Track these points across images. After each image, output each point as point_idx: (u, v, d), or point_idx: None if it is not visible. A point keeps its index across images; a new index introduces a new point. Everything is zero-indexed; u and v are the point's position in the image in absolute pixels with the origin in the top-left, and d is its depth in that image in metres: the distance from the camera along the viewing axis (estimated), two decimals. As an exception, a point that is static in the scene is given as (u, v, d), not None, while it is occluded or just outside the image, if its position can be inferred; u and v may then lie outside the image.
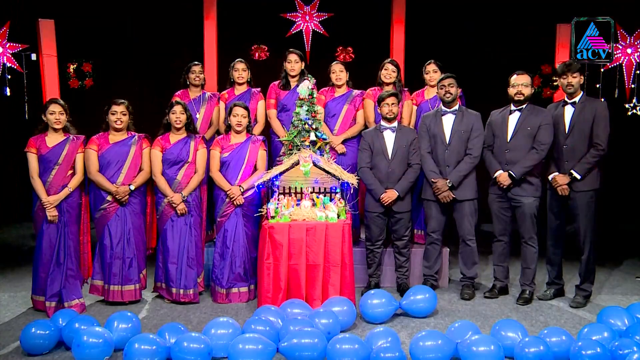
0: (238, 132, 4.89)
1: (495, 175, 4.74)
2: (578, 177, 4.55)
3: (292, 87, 5.38)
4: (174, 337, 3.67)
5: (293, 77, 5.40)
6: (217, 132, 5.40)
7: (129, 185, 4.64)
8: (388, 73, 5.33)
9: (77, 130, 4.69)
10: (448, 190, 4.79)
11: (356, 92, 5.41)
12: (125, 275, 4.67)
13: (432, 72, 5.40)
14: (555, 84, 6.83)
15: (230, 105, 4.95)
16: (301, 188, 4.65)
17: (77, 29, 7.12)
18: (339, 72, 5.34)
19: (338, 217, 4.51)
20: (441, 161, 4.86)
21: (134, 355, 3.47)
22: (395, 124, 4.91)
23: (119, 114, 4.65)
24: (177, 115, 4.74)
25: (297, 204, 4.59)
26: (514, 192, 4.71)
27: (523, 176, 4.63)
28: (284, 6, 6.50)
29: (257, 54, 6.87)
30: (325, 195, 4.65)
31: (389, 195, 4.82)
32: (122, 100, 4.69)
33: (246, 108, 4.90)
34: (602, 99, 5.39)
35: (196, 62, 5.52)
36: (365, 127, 5.33)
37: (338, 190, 4.67)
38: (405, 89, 5.51)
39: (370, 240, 5.00)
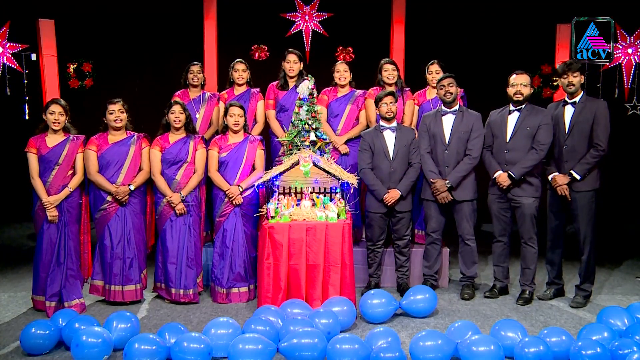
0: (235, 132, 4.89)
1: (495, 175, 4.74)
2: (578, 177, 4.54)
3: (291, 87, 5.38)
4: (174, 337, 3.67)
5: (292, 77, 5.39)
6: (217, 133, 5.39)
7: (129, 185, 4.64)
8: (389, 74, 5.32)
9: (77, 130, 4.69)
10: (447, 191, 4.78)
11: (359, 92, 5.40)
12: (126, 276, 4.67)
13: (434, 72, 5.36)
14: (555, 84, 6.84)
15: (226, 106, 4.96)
16: (301, 188, 4.65)
17: (77, 29, 7.14)
18: (343, 72, 5.34)
19: (338, 217, 4.51)
20: (440, 161, 4.85)
21: (134, 355, 3.47)
22: (394, 123, 4.91)
23: (117, 112, 4.64)
24: (176, 115, 4.74)
25: (297, 204, 4.58)
26: (513, 193, 4.70)
27: (523, 176, 4.63)
28: (284, 6, 6.51)
29: (257, 54, 6.87)
30: (325, 195, 4.65)
31: (392, 195, 4.82)
32: (117, 99, 4.68)
33: (242, 107, 4.90)
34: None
35: (195, 62, 5.52)
36: (367, 127, 5.33)
37: (338, 190, 4.67)
38: (407, 88, 5.50)
39: (372, 240, 5.00)
